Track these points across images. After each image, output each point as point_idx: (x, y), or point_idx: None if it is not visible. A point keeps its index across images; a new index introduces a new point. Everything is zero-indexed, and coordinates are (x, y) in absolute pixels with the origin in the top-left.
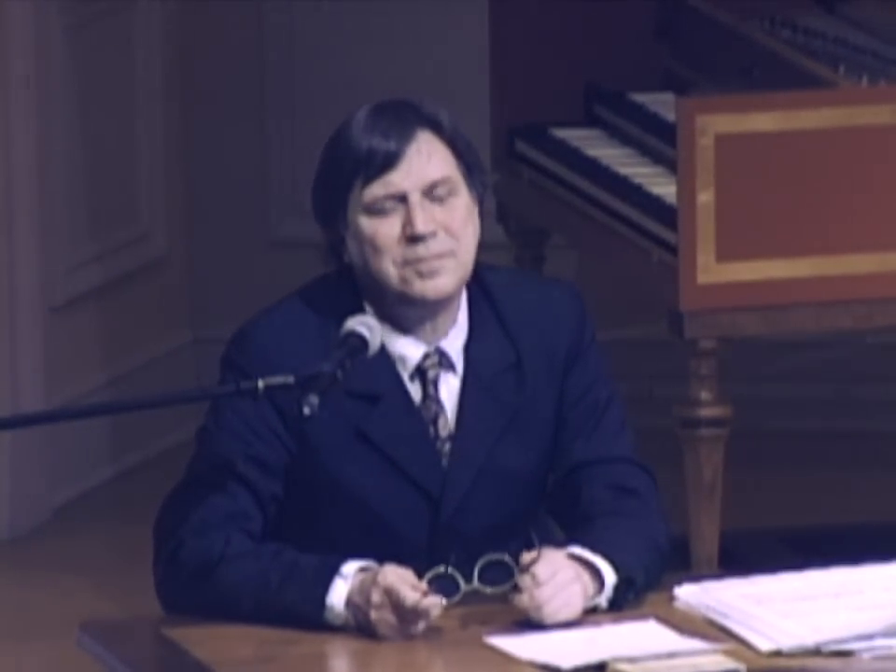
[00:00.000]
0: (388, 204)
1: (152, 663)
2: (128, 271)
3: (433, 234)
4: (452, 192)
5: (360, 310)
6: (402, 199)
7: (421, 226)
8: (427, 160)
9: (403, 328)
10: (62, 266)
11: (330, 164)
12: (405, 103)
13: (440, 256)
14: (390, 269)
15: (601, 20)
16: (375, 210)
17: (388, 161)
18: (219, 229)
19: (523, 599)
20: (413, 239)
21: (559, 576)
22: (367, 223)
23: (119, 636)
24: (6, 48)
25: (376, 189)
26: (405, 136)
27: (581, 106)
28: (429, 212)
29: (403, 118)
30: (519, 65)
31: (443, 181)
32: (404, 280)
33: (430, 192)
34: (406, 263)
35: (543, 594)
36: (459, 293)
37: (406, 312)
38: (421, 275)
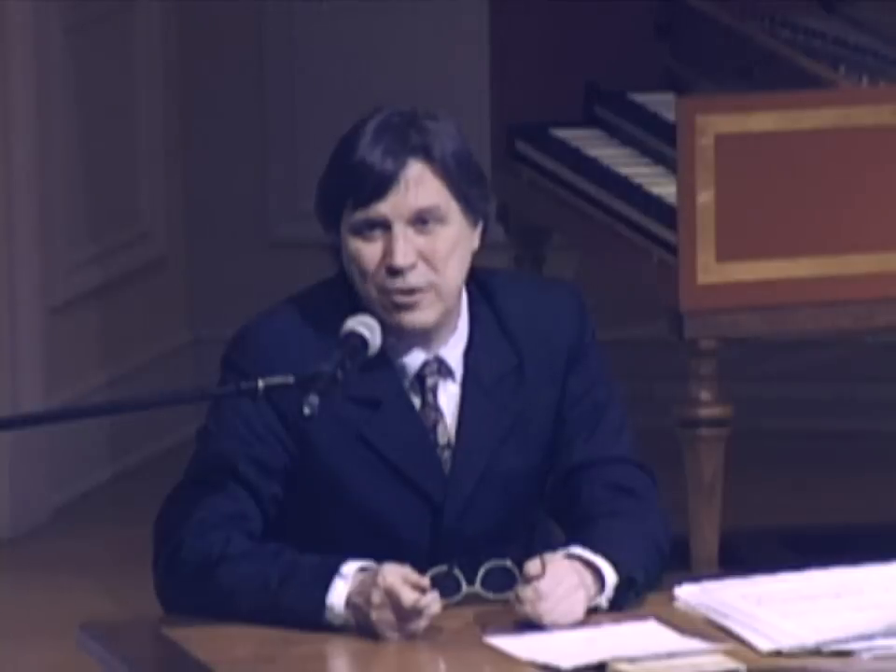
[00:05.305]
0: (373, 230)
1: (152, 663)
2: (128, 271)
3: (412, 267)
4: (440, 221)
5: (360, 312)
6: (387, 226)
7: (400, 259)
8: (414, 190)
9: (401, 337)
10: (62, 266)
11: (333, 172)
12: (411, 122)
13: (416, 290)
14: (373, 292)
15: (601, 19)
16: (360, 233)
17: (376, 191)
18: (219, 229)
19: (524, 609)
20: (391, 271)
21: (561, 587)
22: (353, 243)
23: (118, 636)
24: (6, 48)
25: (362, 214)
26: (397, 164)
27: (581, 106)
28: (412, 242)
29: (401, 141)
30: (519, 65)
31: (430, 210)
32: (385, 308)
33: (415, 221)
34: (385, 291)
35: (545, 606)
36: (457, 304)
37: (398, 330)
38: (398, 308)
